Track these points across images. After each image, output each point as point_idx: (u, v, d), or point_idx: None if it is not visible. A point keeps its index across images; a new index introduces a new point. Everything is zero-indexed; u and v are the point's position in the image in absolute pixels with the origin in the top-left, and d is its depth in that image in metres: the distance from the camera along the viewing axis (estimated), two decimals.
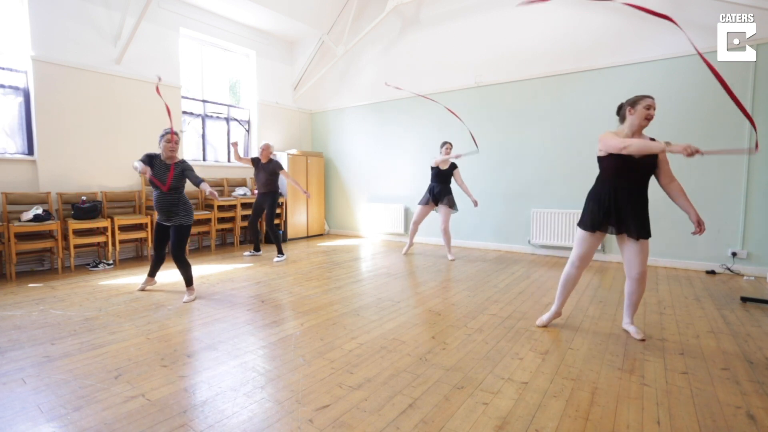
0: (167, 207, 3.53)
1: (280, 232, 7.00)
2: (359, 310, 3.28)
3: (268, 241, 6.98)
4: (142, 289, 3.85)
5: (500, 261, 5.26)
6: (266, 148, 5.46)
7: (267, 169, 5.46)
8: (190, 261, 5.30)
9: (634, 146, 2.36)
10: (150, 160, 3.51)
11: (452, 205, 5.29)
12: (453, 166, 5.35)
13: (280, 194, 7.09)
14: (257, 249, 5.75)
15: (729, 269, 4.49)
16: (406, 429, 1.69)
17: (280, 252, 5.42)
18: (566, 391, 1.99)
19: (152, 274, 3.91)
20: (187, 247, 5.37)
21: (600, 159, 2.72)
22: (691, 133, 4.66)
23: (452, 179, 5.39)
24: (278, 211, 7.12)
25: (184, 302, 3.48)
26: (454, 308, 3.32)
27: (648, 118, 2.53)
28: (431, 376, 2.15)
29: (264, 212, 5.57)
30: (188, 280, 3.63)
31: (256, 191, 5.79)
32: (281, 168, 5.47)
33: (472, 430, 1.69)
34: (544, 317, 2.94)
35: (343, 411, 1.82)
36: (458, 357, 2.39)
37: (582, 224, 2.70)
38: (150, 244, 5.42)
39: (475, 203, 5.27)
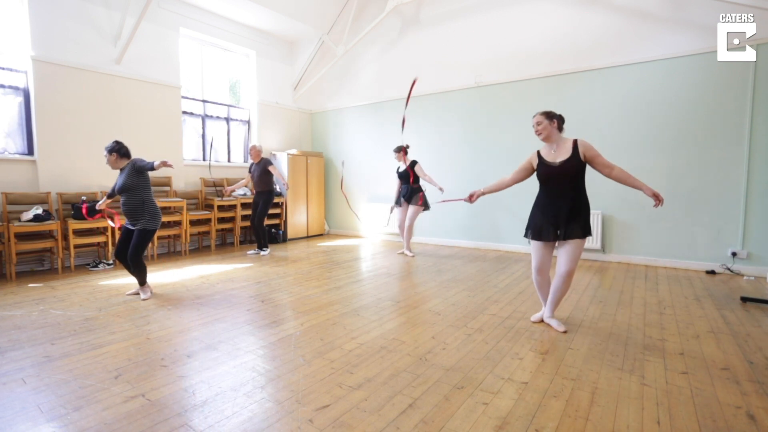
0: (131, 211, 3.49)
1: (281, 232, 7.01)
2: (359, 310, 3.28)
3: (272, 241, 6.98)
4: (134, 293, 3.70)
5: (500, 261, 5.26)
6: (253, 149, 5.73)
7: (258, 169, 5.69)
8: (191, 261, 5.32)
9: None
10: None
11: (420, 203, 5.46)
12: (411, 164, 5.48)
13: (279, 193, 7.09)
14: (261, 247, 5.87)
15: (729, 269, 4.49)
16: (406, 429, 1.69)
17: (265, 246, 5.74)
18: (566, 391, 1.99)
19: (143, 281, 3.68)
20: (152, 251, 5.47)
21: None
22: (690, 133, 4.66)
23: (416, 177, 5.53)
24: (278, 211, 7.12)
25: (143, 300, 3.51)
26: (454, 308, 3.32)
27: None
28: (431, 376, 2.15)
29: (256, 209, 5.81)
30: (141, 281, 3.59)
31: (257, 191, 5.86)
32: (270, 163, 5.67)
33: (472, 430, 1.68)
34: (538, 315, 3.03)
35: (343, 411, 1.82)
36: (458, 357, 2.39)
37: (527, 234, 2.90)
38: (150, 244, 5.42)
39: (441, 189, 5.28)
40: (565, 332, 2.77)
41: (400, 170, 5.62)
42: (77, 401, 1.90)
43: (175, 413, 1.80)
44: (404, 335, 2.74)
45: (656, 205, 2.55)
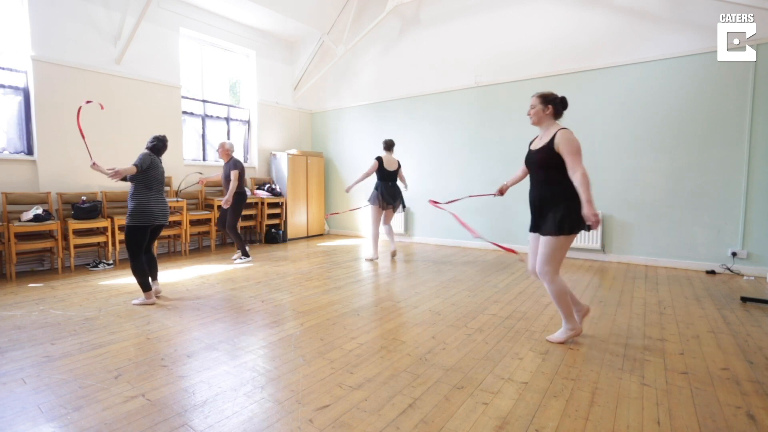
0: None
1: (280, 232, 7.01)
2: (359, 310, 3.28)
3: (271, 241, 6.98)
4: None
5: (500, 261, 5.25)
6: (222, 147, 5.18)
7: (225, 170, 5.19)
8: (191, 261, 5.31)
9: None
10: None
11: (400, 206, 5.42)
12: (398, 165, 5.38)
13: (275, 196, 7.09)
14: (245, 254, 5.35)
15: (729, 269, 4.49)
16: (406, 429, 1.69)
17: (244, 254, 5.24)
18: (566, 391, 1.99)
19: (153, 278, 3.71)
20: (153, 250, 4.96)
21: None
22: (690, 133, 4.66)
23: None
24: (278, 211, 7.11)
25: (133, 304, 3.41)
26: (454, 308, 3.32)
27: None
28: (431, 376, 2.15)
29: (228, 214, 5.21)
30: (141, 287, 3.43)
31: (252, 192, 5.71)
32: (233, 168, 5.07)
33: (472, 430, 1.68)
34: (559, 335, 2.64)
35: (343, 411, 1.82)
36: (458, 357, 2.39)
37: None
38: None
39: (405, 187, 5.41)
40: (561, 343, 2.59)
41: (390, 169, 5.27)
42: (77, 401, 1.90)
43: (175, 413, 1.80)
44: (404, 335, 2.74)
45: (589, 229, 2.36)
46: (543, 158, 2.52)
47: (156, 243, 5.41)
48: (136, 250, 3.41)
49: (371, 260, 5.32)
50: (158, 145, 3.65)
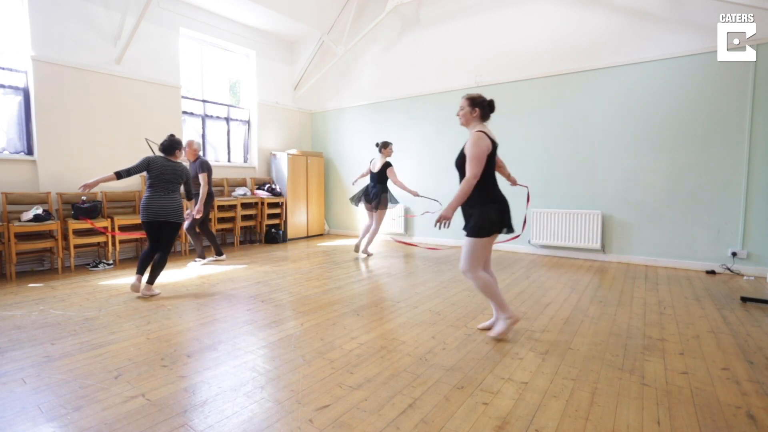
0: None
1: (280, 232, 7.01)
2: (359, 310, 3.28)
3: (272, 241, 6.98)
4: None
5: (500, 261, 5.25)
6: (189, 146, 4.87)
7: (192, 169, 4.85)
8: (191, 260, 5.30)
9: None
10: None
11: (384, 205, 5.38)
12: (386, 165, 5.32)
13: (275, 196, 7.09)
14: (219, 253, 5.23)
15: (729, 269, 4.49)
16: (406, 429, 1.69)
17: (200, 257, 5.06)
18: (566, 391, 1.99)
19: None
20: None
21: None
22: (690, 133, 4.66)
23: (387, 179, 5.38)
24: (278, 211, 7.10)
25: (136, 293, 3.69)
26: (454, 308, 3.32)
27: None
28: (431, 376, 2.15)
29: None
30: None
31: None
32: (202, 171, 4.76)
33: (472, 430, 1.68)
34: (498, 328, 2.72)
35: (343, 411, 1.82)
36: (458, 357, 2.39)
37: None
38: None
39: (415, 194, 5.30)
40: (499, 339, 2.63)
41: (376, 169, 5.31)
42: (77, 401, 1.90)
43: (175, 413, 1.80)
44: (404, 335, 2.74)
45: (437, 225, 2.47)
46: (459, 159, 2.59)
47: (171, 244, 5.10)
48: (149, 242, 3.73)
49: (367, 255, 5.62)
50: (164, 144, 3.77)
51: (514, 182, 3.18)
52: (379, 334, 2.76)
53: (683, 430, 1.69)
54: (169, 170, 3.69)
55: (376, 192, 5.32)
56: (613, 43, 5.05)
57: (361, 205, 5.60)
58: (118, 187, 5.46)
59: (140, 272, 3.66)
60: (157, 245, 3.71)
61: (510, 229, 2.59)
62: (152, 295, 3.66)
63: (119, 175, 3.49)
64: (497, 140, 2.65)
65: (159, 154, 3.76)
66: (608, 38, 5.08)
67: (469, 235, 2.52)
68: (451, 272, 4.60)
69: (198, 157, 4.90)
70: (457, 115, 2.68)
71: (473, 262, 2.55)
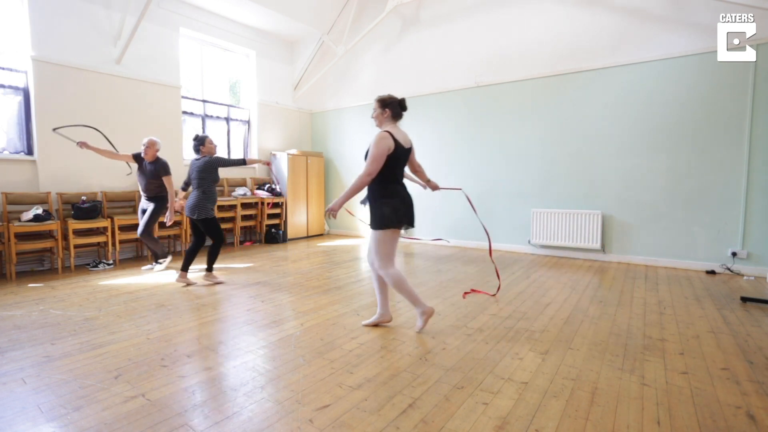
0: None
1: (280, 232, 7.01)
2: (359, 310, 3.28)
3: (272, 241, 6.97)
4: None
5: (500, 261, 5.25)
6: (151, 145, 4.53)
7: (152, 170, 4.55)
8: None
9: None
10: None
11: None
12: None
13: (275, 196, 7.08)
14: (157, 258, 4.85)
15: (729, 269, 4.49)
16: (406, 429, 1.69)
17: (162, 257, 4.79)
18: (566, 391, 1.99)
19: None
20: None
21: None
22: (690, 133, 4.66)
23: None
24: (278, 211, 7.10)
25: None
26: (454, 308, 3.32)
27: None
28: (431, 376, 2.15)
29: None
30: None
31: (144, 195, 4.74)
32: (166, 174, 4.54)
33: (472, 430, 1.68)
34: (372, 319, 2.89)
35: (343, 411, 1.82)
36: (458, 357, 2.39)
37: None
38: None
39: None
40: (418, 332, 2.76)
41: None
42: (77, 401, 1.90)
43: (175, 413, 1.80)
44: (404, 335, 2.74)
45: (327, 215, 2.72)
46: (365, 155, 2.69)
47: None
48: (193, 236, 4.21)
49: None
50: (193, 145, 4.11)
51: (434, 187, 3.33)
52: (379, 334, 2.76)
53: (683, 430, 1.69)
54: (193, 168, 4.07)
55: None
56: (614, 43, 5.05)
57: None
58: (118, 187, 5.46)
59: (184, 268, 4.05)
60: (199, 238, 4.13)
61: (408, 225, 2.70)
62: (216, 282, 4.11)
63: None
64: (409, 142, 2.75)
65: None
66: (608, 38, 5.08)
67: (375, 227, 2.66)
68: (451, 272, 4.60)
69: (158, 158, 4.57)
70: (372, 117, 2.79)
71: (383, 257, 2.67)
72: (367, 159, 2.57)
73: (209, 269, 4.16)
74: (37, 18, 4.73)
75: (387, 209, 2.61)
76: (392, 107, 2.70)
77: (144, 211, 4.67)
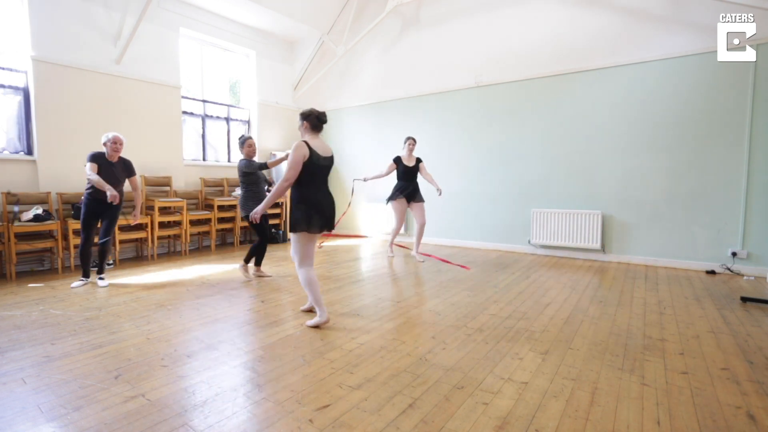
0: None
1: (280, 232, 7.01)
2: (359, 310, 3.28)
3: (272, 241, 6.97)
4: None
5: (500, 261, 5.25)
6: (118, 141, 3.96)
7: (118, 170, 4.01)
8: (191, 261, 5.31)
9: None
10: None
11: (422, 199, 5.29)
12: (418, 161, 5.28)
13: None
14: (88, 275, 4.17)
15: (729, 269, 4.49)
16: (406, 429, 1.69)
17: (102, 270, 4.16)
18: (566, 391, 1.99)
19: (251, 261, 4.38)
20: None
21: None
22: (690, 133, 4.66)
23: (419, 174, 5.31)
24: (278, 211, 7.10)
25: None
26: (454, 308, 3.32)
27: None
28: (431, 376, 2.15)
29: (104, 221, 4.06)
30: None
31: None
32: (134, 174, 4.15)
33: (472, 430, 1.68)
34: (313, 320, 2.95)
35: (343, 411, 1.82)
36: (458, 357, 2.39)
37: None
38: (150, 244, 5.43)
39: (439, 191, 5.14)
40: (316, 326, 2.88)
41: (411, 165, 5.20)
42: (77, 401, 1.90)
43: (175, 413, 1.80)
44: (404, 335, 2.74)
45: (251, 220, 3.06)
46: None
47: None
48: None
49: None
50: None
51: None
52: (379, 334, 2.76)
53: (683, 430, 1.69)
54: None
55: (416, 186, 5.25)
56: (614, 43, 5.05)
57: (383, 207, 5.63)
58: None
59: (246, 260, 4.33)
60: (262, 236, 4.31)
61: (323, 229, 2.90)
62: (262, 276, 4.38)
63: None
64: (328, 152, 2.93)
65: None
66: (608, 38, 5.08)
67: (290, 230, 2.91)
68: (452, 272, 4.60)
69: (121, 158, 4.05)
70: (299, 129, 3.01)
71: (300, 257, 2.91)
72: (287, 167, 2.78)
73: (246, 262, 4.34)
74: (37, 18, 4.73)
75: (299, 213, 2.82)
76: (310, 120, 2.90)
77: (97, 214, 4.01)
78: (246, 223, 5.85)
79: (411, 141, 5.21)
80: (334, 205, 2.99)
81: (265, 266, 4.97)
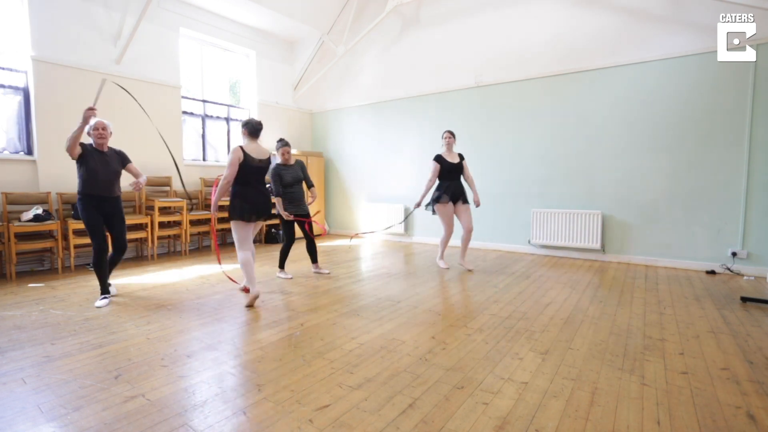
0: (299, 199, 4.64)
1: (280, 231, 7.01)
2: (359, 310, 3.28)
3: (272, 241, 6.96)
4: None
5: (500, 261, 5.25)
6: (99, 127, 3.40)
7: (113, 161, 3.48)
8: (191, 261, 5.32)
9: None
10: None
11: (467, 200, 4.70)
12: (461, 157, 4.68)
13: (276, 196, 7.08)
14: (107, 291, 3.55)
15: (729, 269, 4.49)
16: (406, 429, 1.69)
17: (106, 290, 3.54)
18: (566, 391, 1.99)
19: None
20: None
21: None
22: (690, 133, 4.66)
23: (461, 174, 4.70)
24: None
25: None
26: (454, 308, 3.32)
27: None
28: (431, 376, 2.15)
29: (115, 227, 3.58)
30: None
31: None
32: (130, 161, 3.63)
33: (472, 430, 1.68)
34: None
35: (343, 411, 1.82)
36: (458, 357, 2.39)
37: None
38: (150, 244, 5.43)
39: (477, 203, 4.63)
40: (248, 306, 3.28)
41: (455, 162, 4.60)
42: (77, 401, 1.90)
43: (175, 413, 1.80)
44: (404, 335, 2.74)
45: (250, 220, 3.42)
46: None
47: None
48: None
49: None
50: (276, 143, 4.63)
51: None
52: (379, 334, 2.76)
53: (683, 430, 1.69)
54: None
55: (461, 186, 4.67)
56: (613, 43, 5.05)
57: (420, 211, 5.34)
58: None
59: (281, 266, 4.47)
60: (295, 237, 4.52)
61: (254, 219, 3.42)
62: (285, 278, 4.37)
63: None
64: (264, 153, 3.45)
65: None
66: (608, 38, 5.08)
67: (228, 218, 3.43)
68: (452, 272, 4.60)
69: (110, 148, 3.55)
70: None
71: (237, 241, 3.43)
72: (226, 168, 3.28)
73: (281, 267, 4.48)
74: (37, 18, 4.73)
75: (235, 205, 3.34)
76: (247, 128, 3.41)
77: (102, 217, 3.45)
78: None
79: (448, 135, 4.62)
80: (268, 199, 3.52)
81: (265, 266, 4.97)
